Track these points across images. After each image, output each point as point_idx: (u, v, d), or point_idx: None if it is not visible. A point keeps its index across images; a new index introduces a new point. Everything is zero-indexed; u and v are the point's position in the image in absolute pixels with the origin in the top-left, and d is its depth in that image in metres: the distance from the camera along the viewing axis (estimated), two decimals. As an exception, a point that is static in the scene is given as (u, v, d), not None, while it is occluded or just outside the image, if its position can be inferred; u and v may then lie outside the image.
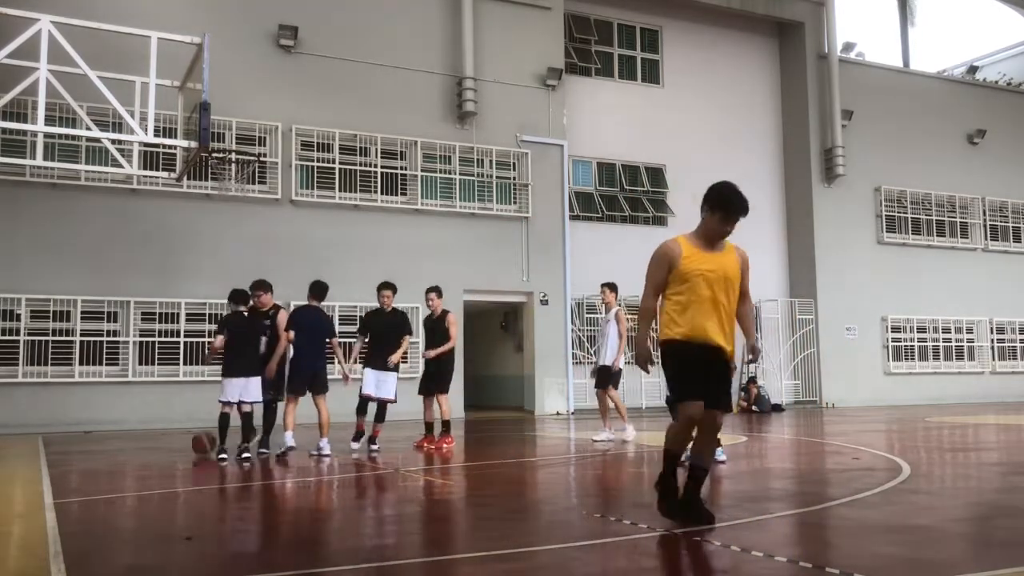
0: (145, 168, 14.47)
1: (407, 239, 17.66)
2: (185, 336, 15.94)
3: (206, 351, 10.04)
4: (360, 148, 17.67)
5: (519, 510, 6.49)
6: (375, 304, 10.62)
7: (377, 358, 10.19)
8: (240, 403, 9.57)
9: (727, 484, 7.38)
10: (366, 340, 10.41)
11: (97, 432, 14.45)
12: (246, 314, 10.04)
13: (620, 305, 12.04)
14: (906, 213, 23.89)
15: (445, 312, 10.79)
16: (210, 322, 16.15)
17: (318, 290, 10.25)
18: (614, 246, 20.79)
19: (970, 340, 24.42)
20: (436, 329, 10.72)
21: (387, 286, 10.41)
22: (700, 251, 5.27)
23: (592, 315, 20.32)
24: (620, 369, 11.46)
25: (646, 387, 20.52)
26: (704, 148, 22.13)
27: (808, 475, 8.07)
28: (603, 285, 11.77)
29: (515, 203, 19.02)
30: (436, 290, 10.85)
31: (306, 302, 10.26)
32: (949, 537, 5.05)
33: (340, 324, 16.98)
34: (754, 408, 19.35)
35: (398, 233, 17.66)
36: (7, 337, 14.85)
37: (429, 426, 10.79)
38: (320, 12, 17.70)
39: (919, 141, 24.22)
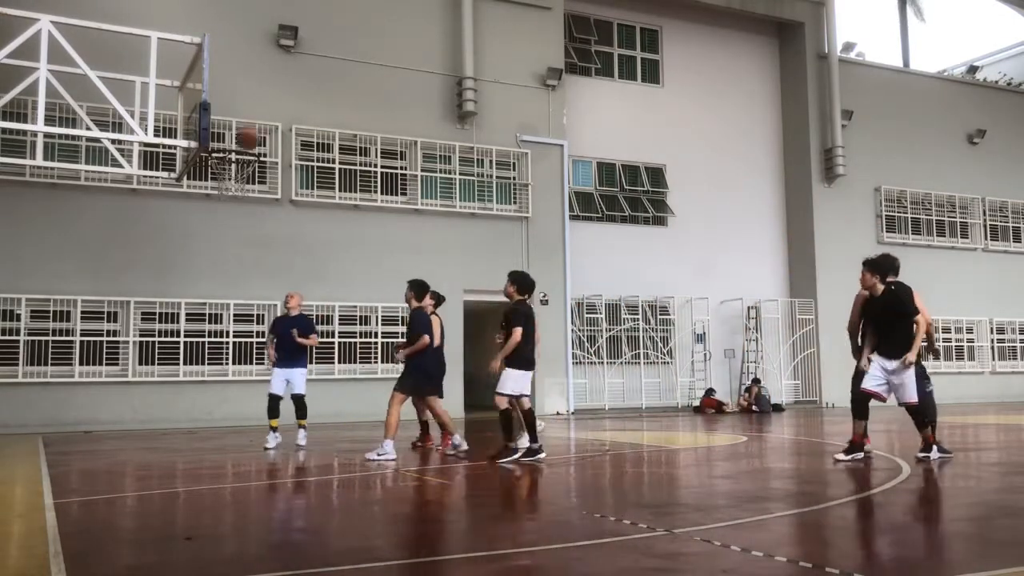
0: (145, 168, 14.46)
1: (407, 239, 17.66)
2: (185, 336, 15.95)
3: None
4: (360, 148, 17.67)
5: (519, 510, 6.49)
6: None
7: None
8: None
9: (727, 484, 7.38)
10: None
11: (97, 432, 14.46)
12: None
13: None
14: (906, 213, 23.90)
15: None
16: (210, 322, 16.18)
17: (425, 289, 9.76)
18: (614, 246, 20.80)
19: (970, 340, 24.42)
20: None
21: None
22: None
23: (592, 315, 20.32)
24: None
25: (646, 387, 20.54)
26: (704, 148, 22.15)
27: (808, 475, 8.06)
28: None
29: (515, 203, 19.02)
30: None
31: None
32: (949, 537, 5.04)
33: (340, 324, 17.04)
34: (754, 408, 19.37)
35: (398, 233, 17.66)
36: (7, 337, 14.85)
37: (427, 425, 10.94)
38: (320, 12, 17.70)
39: (919, 141, 24.24)
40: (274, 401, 10.73)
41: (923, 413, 8.26)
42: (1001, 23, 28.25)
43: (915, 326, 8.13)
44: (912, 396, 8.14)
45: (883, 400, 8.33)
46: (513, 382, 8.90)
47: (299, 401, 10.79)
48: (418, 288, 9.70)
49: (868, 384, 8.33)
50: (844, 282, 23.22)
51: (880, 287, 8.35)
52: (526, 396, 9.08)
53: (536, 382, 18.87)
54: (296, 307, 11.01)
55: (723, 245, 21.80)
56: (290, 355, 10.73)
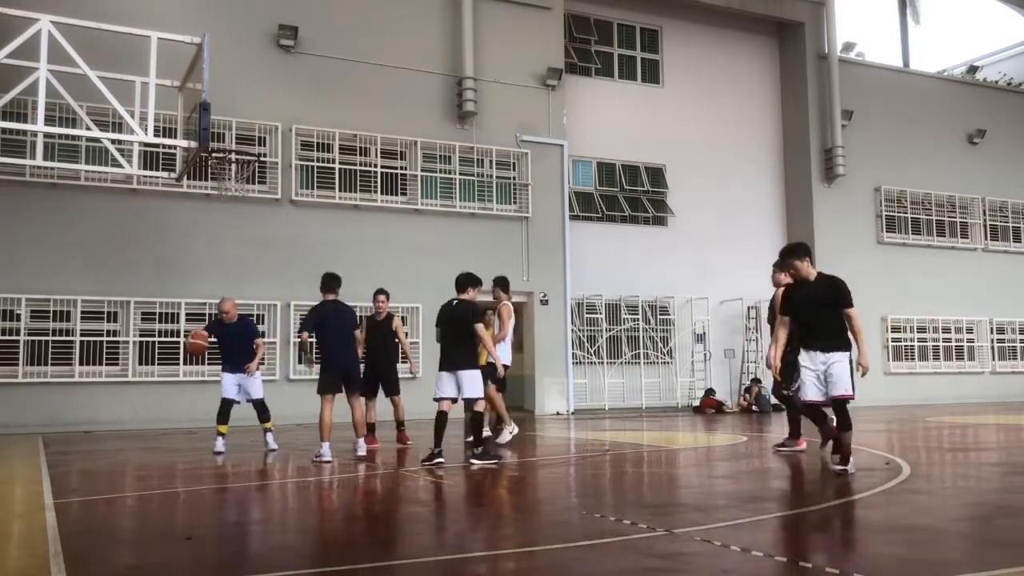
0: (145, 168, 14.46)
1: (407, 239, 17.66)
2: (185, 336, 15.93)
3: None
4: (360, 148, 17.67)
5: (519, 510, 6.49)
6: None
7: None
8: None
9: (727, 484, 7.38)
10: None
11: (97, 432, 14.46)
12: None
13: None
14: (906, 213, 23.89)
15: (391, 315, 11.11)
16: (210, 322, 16.14)
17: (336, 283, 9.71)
18: (614, 246, 20.80)
19: (970, 340, 24.42)
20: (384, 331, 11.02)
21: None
22: None
23: (592, 315, 20.33)
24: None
25: (646, 387, 20.54)
26: (704, 148, 22.15)
27: (808, 475, 8.06)
28: None
29: (515, 203, 19.02)
30: (383, 292, 11.13)
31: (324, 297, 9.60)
32: (949, 537, 5.04)
33: (340, 324, 17.03)
34: (754, 408, 19.36)
35: (398, 233, 17.66)
36: (7, 337, 14.85)
37: (372, 427, 10.73)
38: (320, 12, 17.70)
39: (919, 141, 24.24)
40: (227, 406, 10.38)
41: (846, 414, 7.37)
42: (1001, 23, 28.26)
43: (852, 319, 7.45)
44: (845, 388, 7.26)
45: (828, 406, 7.55)
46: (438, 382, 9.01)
47: (260, 405, 10.50)
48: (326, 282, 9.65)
49: (810, 395, 7.49)
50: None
51: (813, 272, 7.63)
52: (466, 399, 8.87)
53: (536, 382, 18.98)
54: (233, 313, 10.50)
55: (723, 245, 21.80)
56: (243, 360, 10.39)
